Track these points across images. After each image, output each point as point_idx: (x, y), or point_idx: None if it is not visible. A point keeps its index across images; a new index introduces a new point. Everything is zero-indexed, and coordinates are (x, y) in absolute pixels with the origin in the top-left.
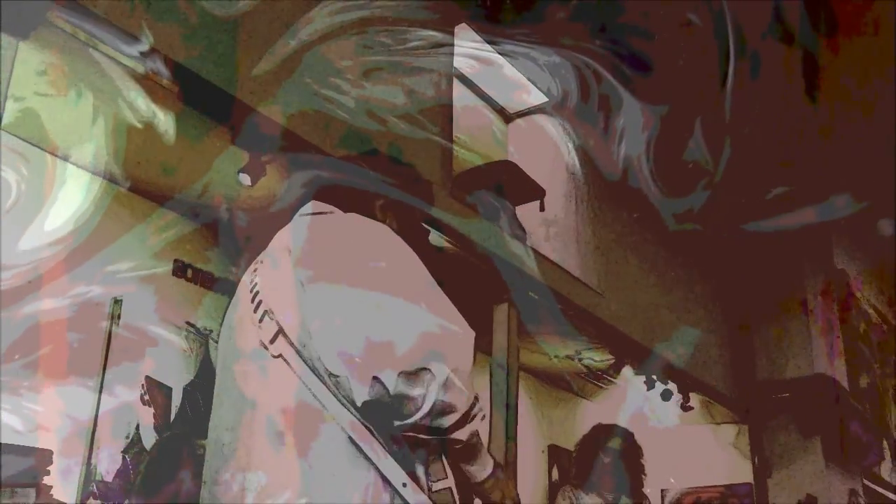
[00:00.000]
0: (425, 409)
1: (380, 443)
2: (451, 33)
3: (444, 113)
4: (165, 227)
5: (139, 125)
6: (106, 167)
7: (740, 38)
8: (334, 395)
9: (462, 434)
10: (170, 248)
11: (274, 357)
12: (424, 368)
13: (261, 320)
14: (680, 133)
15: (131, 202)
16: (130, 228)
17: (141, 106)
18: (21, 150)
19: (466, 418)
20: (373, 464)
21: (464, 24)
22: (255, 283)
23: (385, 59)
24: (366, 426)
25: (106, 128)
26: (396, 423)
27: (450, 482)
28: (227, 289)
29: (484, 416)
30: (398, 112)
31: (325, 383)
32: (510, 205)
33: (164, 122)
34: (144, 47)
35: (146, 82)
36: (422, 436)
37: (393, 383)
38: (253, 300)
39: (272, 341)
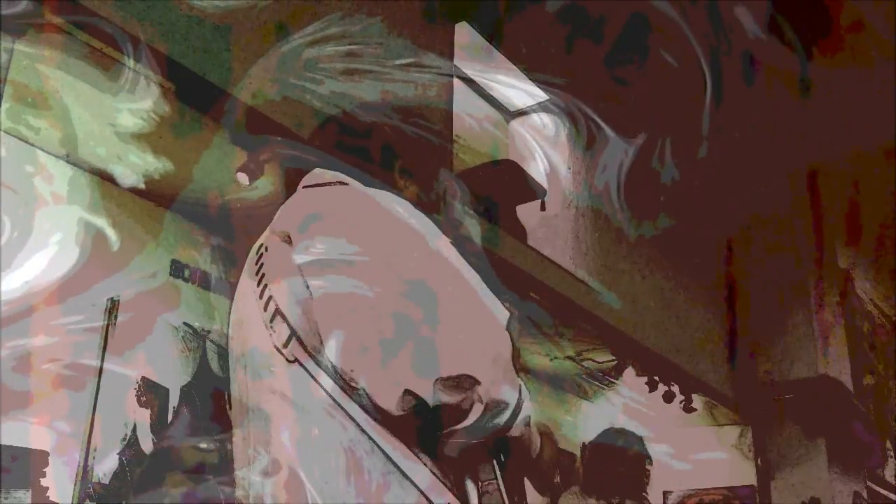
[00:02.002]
0: (475, 414)
1: (418, 458)
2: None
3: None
4: (162, 227)
5: (142, 185)
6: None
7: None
8: (360, 407)
9: (516, 431)
10: (166, 248)
11: (289, 362)
12: (464, 375)
13: (272, 320)
14: (651, 156)
15: (129, 203)
16: (128, 230)
17: (139, 164)
18: (16, 188)
19: (518, 409)
20: (412, 482)
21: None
22: (262, 276)
23: (371, 68)
24: (402, 440)
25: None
26: (439, 433)
27: (498, 481)
28: (224, 289)
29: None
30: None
31: (348, 393)
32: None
33: (162, 165)
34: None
35: (145, 137)
36: (474, 440)
37: (430, 393)
38: (262, 295)
39: (285, 345)
